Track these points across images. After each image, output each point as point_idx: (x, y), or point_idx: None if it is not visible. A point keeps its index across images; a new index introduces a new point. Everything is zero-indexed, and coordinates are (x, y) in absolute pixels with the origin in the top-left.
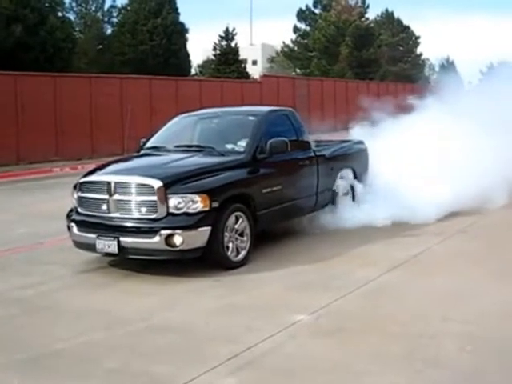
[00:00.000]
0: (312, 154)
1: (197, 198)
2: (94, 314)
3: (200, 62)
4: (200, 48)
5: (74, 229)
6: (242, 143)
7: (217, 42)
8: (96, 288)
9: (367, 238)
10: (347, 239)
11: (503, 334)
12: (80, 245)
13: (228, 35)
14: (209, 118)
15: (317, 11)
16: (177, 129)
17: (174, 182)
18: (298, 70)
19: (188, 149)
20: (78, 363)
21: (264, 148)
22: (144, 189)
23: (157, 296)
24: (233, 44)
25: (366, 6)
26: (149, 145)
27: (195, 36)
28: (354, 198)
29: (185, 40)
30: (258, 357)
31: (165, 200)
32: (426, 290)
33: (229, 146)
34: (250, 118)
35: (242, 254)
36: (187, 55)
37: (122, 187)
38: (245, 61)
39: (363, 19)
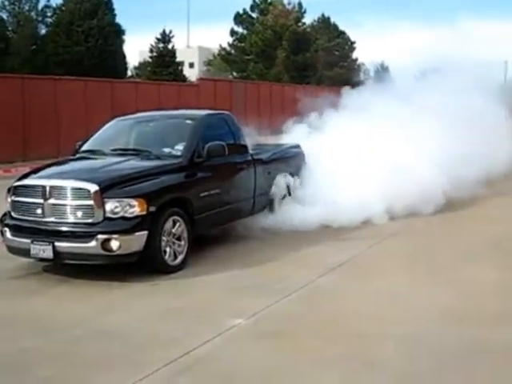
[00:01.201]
0: (249, 158)
1: (134, 202)
2: (27, 320)
3: (136, 63)
4: (136, 50)
5: (8, 233)
6: (180, 147)
7: (153, 44)
8: (29, 294)
9: (303, 242)
10: (284, 243)
11: (436, 336)
12: (14, 250)
13: (165, 37)
14: (146, 122)
15: (254, 15)
16: (113, 132)
17: (110, 186)
18: (234, 74)
19: (125, 152)
20: (9, 372)
21: (201, 152)
22: (80, 193)
23: (93, 301)
24: (170, 46)
25: (302, 10)
26: (85, 148)
27: (132, 38)
28: (290, 202)
29: (121, 41)
30: (196, 361)
31: (101, 204)
32: (361, 293)
33: (166, 150)
34: (187, 121)
35: (180, 258)
36: (123, 57)
37: (58, 191)
38: (182, 63)
39: (300, 24)
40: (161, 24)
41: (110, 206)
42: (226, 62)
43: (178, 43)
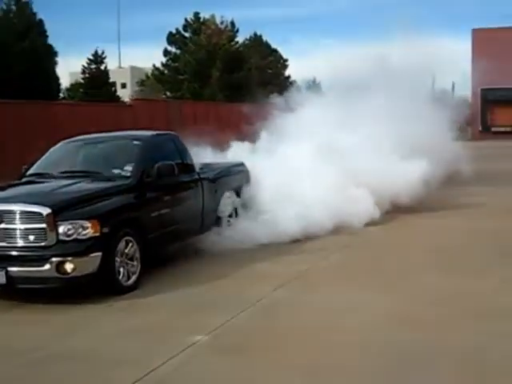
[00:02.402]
0: (196, 177)
1: (87, 223)
2: None
3: (67, 85)
4: (66, 71)
5: None
6: (129, 168)
7: (86, 65)
8: None
9: (254, 257)
10: (234, 259)
11: (388, 341)
12: None
13: (97, 58)
14: (93, 144)
15: (187, 34)
16: (61, 154)
17: (62, 209)
18: (168, 93)
19: (74, 174)
20: None
21: (151, 172)
22: (32, 216)
23: (50, 324)
24: (102, 67)
25: (235, 29)
26: (32, 171)
27: (61, 59)
28: (237, 219)
29: (54, 63)
30: (162, 379)
31: (54, 227)
32: (317, 305)
33: (115, 171)
34: (135, 142)
35: (133, 278)
36: (57, 78)
37: (9, 215)
38: (114, 84)
39: (233, 43)
40: (90, 45)
41: (63, 228)
42: (160, 82)
43: (109, 64)
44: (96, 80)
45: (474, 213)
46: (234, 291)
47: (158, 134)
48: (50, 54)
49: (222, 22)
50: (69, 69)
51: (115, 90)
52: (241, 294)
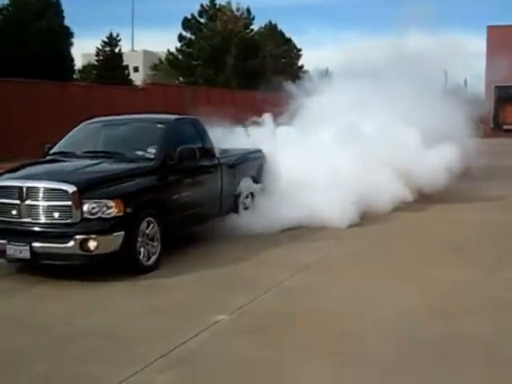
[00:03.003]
0: (216, 162)
1: (111, 203)
2: (11, 319)
3: (79, 66)
4: (79, 52)
5: None
6: (152, 150)
7: (100, 48)
8: (8, 294)
9: (270, 243)
10: (250, 244)
11: (412, 329)
12: None
13: (112, 41)
14: (116, 125)
15: (202, 20)
16: (84, 135)
17: (88, 187)
18: (181, 79)
19: (97, 154)
20: (6, 367)
21: (173, 155)
22: (58, 194)
23: (74, 301)
24: (116, 50)
25: (251, 17)
26: (55, 150)
27: (75, 40)
28: (255, 205)
29: (70, 44)
30: (186, 355)
31: (79, 205)
32: (335, 291)
33: (138, 153)
34: (158, 125)
35: (153, 258)
36: (71, 60)
37: (35, 192)
38: (127, 67)
39: (248, 30)
40: (104, 27)
41: (87, 206)
42: (173, 67)
43: (122, 47)
44: (110, 63)
45: (489, 206)
46: (254, 274)
47: (180, 118)
48: (65, 35)
49: (238, 9)
50: (82, 50)
51: (128, 74)
52: (260, 277)
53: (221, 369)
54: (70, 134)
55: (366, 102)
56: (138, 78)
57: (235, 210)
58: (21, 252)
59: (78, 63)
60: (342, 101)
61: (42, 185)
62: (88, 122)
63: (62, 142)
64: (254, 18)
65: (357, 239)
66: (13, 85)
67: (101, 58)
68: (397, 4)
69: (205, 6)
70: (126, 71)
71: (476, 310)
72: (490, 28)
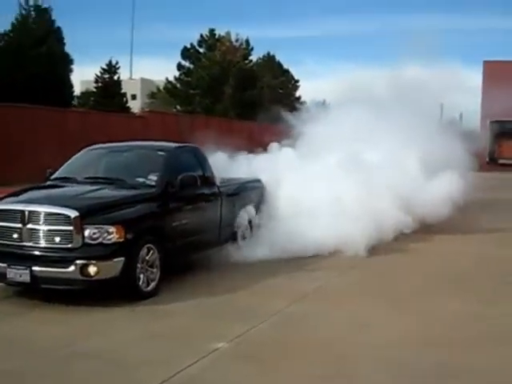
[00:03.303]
0: (216, 190)
1: (112, 229)
2: (11, 342)
3: (78, 92)
4: (78, 79)
5: None
6: (153, 177)
7: (99, 75)
8: (7, 317)
9: (268, 272)
10: (249, 273)
11: (408, 358)
12: None
13: (111, 68)
14: (117, 152)
15: (201, 50)
16: (85, 161)
17: (89, 213)
18: (178, 107)
19: (99, 181)
20: None
21: (174, 182)
22: (60, 218)
23: (72, 325)
24: (115, 77)
25: (250, 48)
26: (57, 175)
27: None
28: (252, 234)
29: (69, 71)
30: (186, 381)
31: (80, 230)
32: (333, 319)
33: (139, 180)
34: (159, 152)
35: (152, 285)
36: (71, 86)
37: (37, 216)
38: (124, 94)
39: (247, 61)
40: (102, 55)
41: (88, 232)
42: (172, 96)
43: (121, 74)
44: (108, 90)
45: (485, 238)
46: (252, 303)
47: (181, 146)
48: (65, 62)
49: (237, 40)
50: (81, 77)
51: (126, 101)
52: (258, 306)
53: None
54: (71, 160)
55: (366, 129)
56: (135, 106)
57: (234, 238)
58: (21, 276)
59: (77, 89)
60: (342, 128)
61: (43, 209)
62: (89, 148)
63: (63, 167)
64: (252, 49)
65: (355, 269)
66: (12, 110)
67: (99, 84)
68: (394, 36)
69: (204, 35)
70: (124, 99)
71: (473, 342)
72: (486, 63)
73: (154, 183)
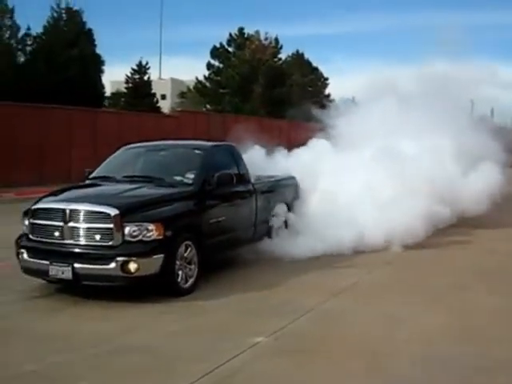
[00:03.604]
0: (251, 188)
1: (151, 226)
2: (54, 337)
3: (108, 93)
4: (107, 79)
5: (25, 255)
6: (190, 175)
7: (129, 75)
8: (50, 313)
9: (302, 268)
10: (283, 269)
11: (446, 353)
12: (30, 271)
13: (141, 68)
14: (155, 151)
15: (230, 49)
16: (123, 160)
17: (129, 211)
18: (208, 106)
19: (137, 179)
20: (52, 383)
21: (211, 180)
22: (100, 217)
23: (113, 320)
24: (145, 78)
25: (279, 46)
26: (95, 174)
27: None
28: (287, 231)
29: (101, 72)
30: (230, 374)
31: (121, 228)
32: (368, 315)
33: (177, 178)
34: (196, 151)
35: (190, 281)
36: (102, 87)
37: (78, 215)
38: (154, 94)
39: (276, 59)
40: (132, 56)
41: (128, 229)
42: (202, 95)
43: (151, 75)
44: (139, 90)
45: None
46: (288, 299)
47: (217, 145)
48: (97, 63)
49: (266, 38)
50: (110, 77)
51: (156, 101)
52: (295, 301)
53: None
54: (109, 159)
55: (398, 122)
56: (165, 106)
57: (268, 235)
58: (63, 273)
59: (107, 90)
60: (374, 122)
61: (84, 207)
62: (126, 147)
63: (101, 166)
64: (281, 47)
65: (391, 265)
66: (45, 111)
67: (130, 85)
68: (423, 32)
69: (233, 34)
70: (155, 99)
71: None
72: None
73: (191, 181)
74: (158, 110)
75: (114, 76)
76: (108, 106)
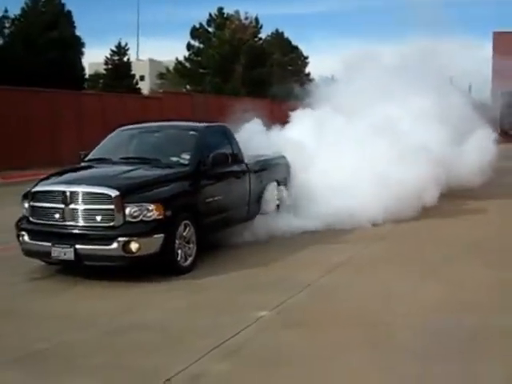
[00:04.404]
0: (244, 167)
1: (152, 206)
2: (61, 316)
3: (87, 76)
4: (86, 61)
5: (26, 237)
6: (186, 156)
7: (108, 57)
8: (52, 293)
9: (297, 245)
10: (278, 246)
11: (444, 323)
12: (31, 253)
13: (120, 50)
14: (149, 132)
15: (210, 29)
16: (118, 141)
17: (129, 192)
18: (188, 87)
19: (134, 161)
20: (67, 360)
21: (206, 160)
22: (101, 198)
23: (116, 299)
24: (125, 59)
25: (259, 25)
26: (91, 157)
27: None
28: (279, 208)
29: (80, 54)
30: (237, 347)
31: (122, 208)
32: (365, 289)
33: (173, 159)
34: (191, 132)
35: (190, 260)
36: (82, 69)
37: (79, 196)
38: (133, 76)
39: (256, 39)
40: (110, 37)
41: (129, 210)
42: (182, 76)
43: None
44: (119, 71)
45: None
46: (286, 274)
47: (210, 125)
48: (77, 45)
49: (246, 18)
50: (88, 59)
51: (136, 82)
52: (292, 277)
53: (273, 358)
54: (104, 141)
55: (385, 90)
56: (144, 87)
57: (262, 213)
58: (65, 254)
59: (86, 72)
60: (359, 91)
61: (85, 189)
62: (121, 129)
63: (96, 148)
64: (261, 27)
65: (384, 239)
66: (28, 94)
67: (109, 66)
68: (400, 10)
69: (213, 15)
70: (134, 80)
71: (504, 305)
72: (496, 34)
73: (187, 162)
74: (138, 91)
75: (91, 58)
76: (87, 88)
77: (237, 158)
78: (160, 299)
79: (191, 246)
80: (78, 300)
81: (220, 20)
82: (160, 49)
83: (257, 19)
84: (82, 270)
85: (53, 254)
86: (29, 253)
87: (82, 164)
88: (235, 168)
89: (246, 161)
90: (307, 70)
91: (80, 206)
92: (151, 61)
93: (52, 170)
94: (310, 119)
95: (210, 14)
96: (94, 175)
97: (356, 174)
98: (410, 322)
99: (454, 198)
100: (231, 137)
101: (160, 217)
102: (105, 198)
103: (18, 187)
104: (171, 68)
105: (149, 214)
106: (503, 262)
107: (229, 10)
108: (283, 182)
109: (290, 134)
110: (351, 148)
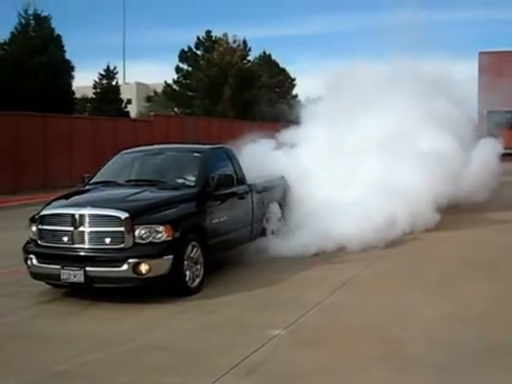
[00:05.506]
0: (247, 188)
1: (161, 228)
2: (78, 338)
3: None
4: (74, 86)
5: (34, 260)
6: (191, 177)
7: (97, 80)
8: (66, 316)
9: (300, 266)
10: (283, 266)
11: (455, 336)
12: (40, 276)
13: (109, 73)
14: (154, 155)
15: (199, 52)
16: (121, 165)
17: (139, 214)
18: (176, 110)
19: (140, 183)
20: (90, 380)
21: (211, 182)
22: (111, 220)
23: (130, 320)
24: (113, 82)
25: (247, 48)
26: (96, 180)
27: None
28: (281, 229)
29: (70, 78)
30: (256, 366)
31: (131, 230)
32: (372, 306)
33: (179, 181)
34: (196, 154)
35: (197, 281)
36: (72, 93)
37: (88, 219)
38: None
39: (245, 61)
40: (97, 61)
41: (139, 232)
42: (171, 99)
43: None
44: (108, 95)
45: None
46: (294, 294)
47: (215, 148)
48: (67, 69)
49: (234, 41)
50: (75, 83)
51: (125, 106)
52: (301, 296)
53: (291, 375)
54: (107, 165)
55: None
56: (132, 110)
57: (263, 234)
58: (75, 276)
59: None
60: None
61: (94, 212)
62: (123, 152)
63: (101, 171)
64: (250, 50)
65: (380, 261)
66: (20, 118)
67: (98, 90)
68: (380, 32)
69: (201, 38)
70: (124, 104)
71: (507, 319)
72: (482, 54)
73: (193, 183)
74: (127, 114)
75: (78, 81)
76: (75, 112)
77: (240, 178)
78: (173, 320)
79: (198, 266)
80: (93, 322)
81: (208, 43)
82: (146, 72)
83: (245, 42)
84: (90, 292)
85: (62, 277)
86: (37, 276)
87: (88, 187)
88: (239, 189)
89: (248, 182)
90: (294, 91)
91: (89, 229)
92: (138, 84)
93: (44, 194)
94: (303, 137)
95: (198, 37)
96: (102, 198)
97: (353, 197)
98: (422, 336)
99: (457, 211)
100: (234, 158)
101: (169, 238)
102: (114, 220)
103: (12, 212)
104: (159, 91)
105: (158, 236)
106: (503, 278)
107: (217, 33)
108: (283, 202)
109: (287, 153)
110: (344, 167)
